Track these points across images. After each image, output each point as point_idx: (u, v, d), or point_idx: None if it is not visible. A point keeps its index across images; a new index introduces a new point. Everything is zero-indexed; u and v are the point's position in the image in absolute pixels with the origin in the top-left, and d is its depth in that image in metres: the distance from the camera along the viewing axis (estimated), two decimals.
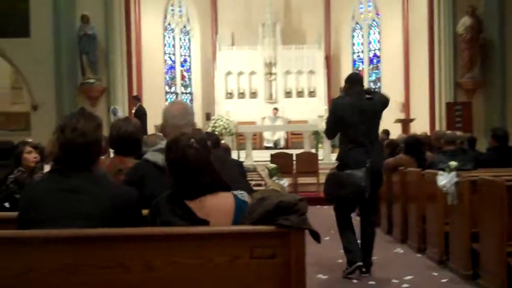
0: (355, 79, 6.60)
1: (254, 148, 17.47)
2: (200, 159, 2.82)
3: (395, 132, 14.29)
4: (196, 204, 2.75)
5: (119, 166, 3.87)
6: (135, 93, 17.37)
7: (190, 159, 2.79)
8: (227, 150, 7.78)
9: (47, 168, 5.37)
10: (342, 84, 7.16)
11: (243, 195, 2.86)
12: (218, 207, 2.76)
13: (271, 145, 19.56)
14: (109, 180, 2.90)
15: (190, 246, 2.51)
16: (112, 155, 4.66)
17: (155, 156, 3.37)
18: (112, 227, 2.59)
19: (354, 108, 6.25)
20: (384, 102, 6.50)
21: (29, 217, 2.65)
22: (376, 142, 6.52)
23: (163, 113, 3.68)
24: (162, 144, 3.37)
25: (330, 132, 6.67)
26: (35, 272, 2.45)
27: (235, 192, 2.86)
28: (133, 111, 14.97)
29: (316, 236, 2.57)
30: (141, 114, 13.81)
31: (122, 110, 16.07)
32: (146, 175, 3.27)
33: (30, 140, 7.05)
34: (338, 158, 6.53)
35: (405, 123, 16.33)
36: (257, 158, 15.64)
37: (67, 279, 2.46)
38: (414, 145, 8.62)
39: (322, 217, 8.31)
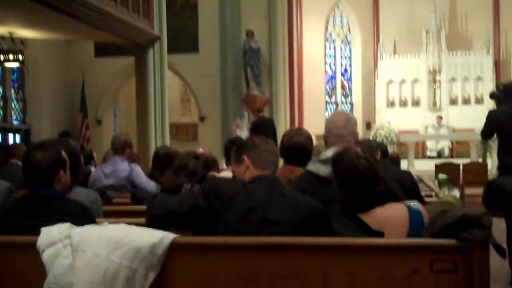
0: (511, 89, 6.46)
1: (416, 158, 16.99)
2: (371, 169, 2.78)
3: None
4: (368, 217, 2.72)
5: (289, 176, 3.93)
6: (296, 104, 17.67)
7: (361, 170, 2.77)
8: (397, 160, 7.53)
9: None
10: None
11: (416, 205, 2.78)
12: (391, 219, 2.71)
13: (434, 154, 18.90)
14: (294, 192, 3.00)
15: (368, 258, 2.48)
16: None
17: (316, 167, 3.37)
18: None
19: (508, 116, 6.20)
20: None
21: (218, 209, 2.76)
22: None
23: (326, 123, 3.66)
24: (324, 154, 3.38)
25: (483, 134, 6.67)
26: (220, 276, 2.55)
27: (407, 202, 2.79)
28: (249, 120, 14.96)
29: (501, 251, 2.44)
30: (258, 124, 13.70)
31: (284, 120, 16.46)
32: (307, 188, 3.27)
33: (202, 150, 7.42)
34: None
35: None
36: (419, 168, 15.20)
37: (248, 286, 2.54)
38: None
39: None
